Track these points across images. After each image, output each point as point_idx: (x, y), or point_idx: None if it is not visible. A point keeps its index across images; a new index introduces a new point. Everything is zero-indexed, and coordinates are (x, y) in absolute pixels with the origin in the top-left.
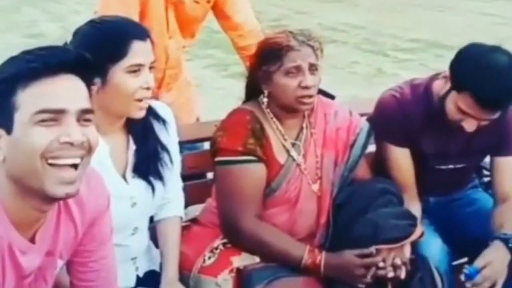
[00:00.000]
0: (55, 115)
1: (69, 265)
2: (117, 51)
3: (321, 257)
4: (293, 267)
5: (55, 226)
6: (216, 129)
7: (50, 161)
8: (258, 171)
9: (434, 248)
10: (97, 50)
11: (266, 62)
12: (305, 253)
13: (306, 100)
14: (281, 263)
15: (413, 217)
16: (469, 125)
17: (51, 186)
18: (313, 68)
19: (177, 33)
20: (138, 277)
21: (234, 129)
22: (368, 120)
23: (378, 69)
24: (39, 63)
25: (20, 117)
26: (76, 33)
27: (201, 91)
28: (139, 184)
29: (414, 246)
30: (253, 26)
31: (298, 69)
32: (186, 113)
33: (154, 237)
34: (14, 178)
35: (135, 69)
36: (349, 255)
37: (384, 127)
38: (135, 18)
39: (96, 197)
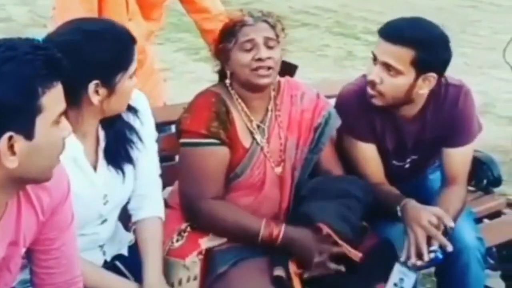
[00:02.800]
0: (62, 116)
1: (30, 253)
2: (127, 60)
3: (279, 231)
4: (250, 240)
5: (16, 216)
6: (183, 111)
7: (59, 158)
8: (220, 154)
9: (397, 228)
10: (107, 63)
11: (223, 40)
12: (262, 225)
13: (262, 72)
14: (238, 237)
15: (359, 231)
16: (373, 72)
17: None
18: (269, 42)
19: (137, 15)
20: (105, 261)
21: (199, 111)
22: None
23: (349, 52)
24: (52, 68)
25: (44, 120)
26: (66, 45)
27: (172, 74)
28: (111, 178)
29: (377, 230)
30: (219, 11)
31: (253, 43)
32: (152, 99)
33: (122, 219)
34: (20, 180)
35: (134, 73)
36: (308, 236)
37: (348, 123)
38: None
39: (56, 184)
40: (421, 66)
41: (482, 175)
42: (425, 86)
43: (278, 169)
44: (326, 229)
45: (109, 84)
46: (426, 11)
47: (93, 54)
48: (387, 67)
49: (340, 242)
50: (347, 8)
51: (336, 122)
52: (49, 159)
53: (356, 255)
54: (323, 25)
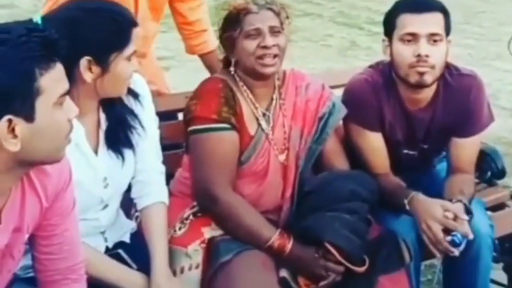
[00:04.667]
0: (64, 97)
1: (32, 239)
2: (124, 41)
3: (289, 245)
4: (256, 245)
5: (20, 202)
6: (189, 98)
7: (68, 138)
8: (232, 139)
9: (401, 220)
10: (102, 40)
11: (227, 29)
12: (274, 235)
13: (267, 61)
14: (245, 238)
15: (364, 239)
16: (422, 47)
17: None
18: (274, 30)
19: (147, 20)
20: (107, 248)
21: (208, 97)
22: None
23: (352, 42)
24: (48, 49)
25: (44, 102)
26: (65, 19)
27: (176, 63)
28: (111, 161)
29: (382, 222)
30: (203, 28)
31: (258, 31)
32: (154, 84)
33: (124, 207)
34: (27, 163)
35: (133, 56)
36: (314, 256)
37: (356, 112)
38: None
39: (59, 170)
40: (447, 30)
41: (486, 167)
42: (448, 52)
43: (282, 157)
44: (332, 250)
45: (102, 63)
46: None
47: (88, 30)
48: (431, 37)
49: (344, 262)
50: None
51: (341, 112)
52: (55, 141)
53: (360, 270)
54: (326, 15)
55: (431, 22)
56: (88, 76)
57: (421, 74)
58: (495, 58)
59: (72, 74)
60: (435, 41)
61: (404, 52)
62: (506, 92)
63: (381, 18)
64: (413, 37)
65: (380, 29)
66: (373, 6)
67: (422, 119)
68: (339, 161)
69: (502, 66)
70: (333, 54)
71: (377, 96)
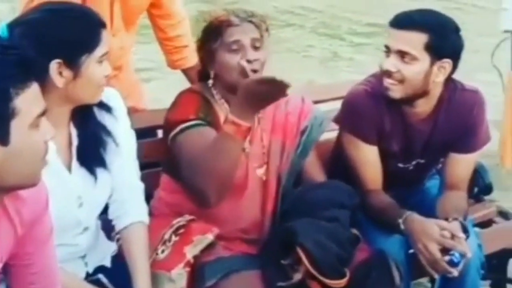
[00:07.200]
0: (40, 118)
1: (7, 268)
2: (93, 41)
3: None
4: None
5: None
6: (166, 112)
7: (44, 160)
8: (213, 134)
9: (390, 239)
10: (71, 41)
11: (207, 40)
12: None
13: (250, 75)
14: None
15: (345, 247)
16: (387, 61)
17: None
18: (256, 43)
19: (121, 31)
20: (87, 273)
21: (184, 104)
22: (337, 117)
23: (334, 53)
24: (24, 68)
25: (20, 123)
26: (32, 22)
27: (159, 74)
28: (85, 179)
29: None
30: (183, 17)
31: (239, 44)
32: (131, 100)
33: (105, 228)
34: (2, 188)
35: (103, 59)
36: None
37: (354, 123)
38: None
39: (35, 195)
40: (434, 52)
41: (474, 182)
42: (440, 74)
43: (260, 171)
44: (302, 257)
45: (73, 65)
46: None
47: (56, 32)
48: (402, 54)
49: (314, 272)
50: (333, 8)
51: (323, 124)
52: (31, 164)
53: (334, 284)
54: (308, 26)
55: (404, 40)
56: (59, 81)
57: (386, 88)
58: (476, 69)
59: (40, 79)
60: (404, 58)
61: (381, 63)
62: (491, 104)
63: (362, 29)
64: (388, 50)
65: (362, 40)
66: (354, 17)
67: (421, 131)
68: (318, 175)
69: (483, 77)
70: (315, 65)
71: (377, 106)
